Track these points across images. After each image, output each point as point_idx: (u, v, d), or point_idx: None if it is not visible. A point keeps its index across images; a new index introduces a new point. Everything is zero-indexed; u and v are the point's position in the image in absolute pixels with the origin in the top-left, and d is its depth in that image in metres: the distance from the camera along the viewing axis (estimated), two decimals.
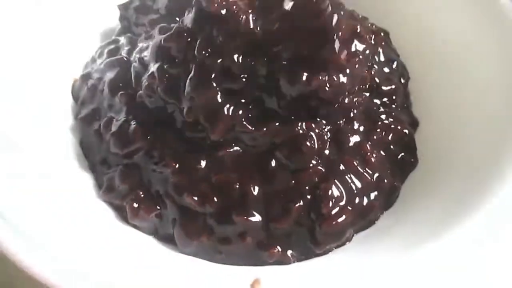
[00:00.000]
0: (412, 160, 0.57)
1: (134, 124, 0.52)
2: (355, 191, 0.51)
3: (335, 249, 0.50)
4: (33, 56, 0.58)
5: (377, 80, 0.59)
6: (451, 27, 0.62)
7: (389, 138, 0.56)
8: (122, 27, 0.67)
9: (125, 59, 0.58)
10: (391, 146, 0.56)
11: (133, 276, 0.43)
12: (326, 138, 0.51)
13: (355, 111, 0.54)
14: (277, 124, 0.49)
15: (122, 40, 0.63)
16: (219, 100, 0.49)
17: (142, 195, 0.51)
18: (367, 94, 0.57)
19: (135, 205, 0.50)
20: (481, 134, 0.53)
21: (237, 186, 0.49)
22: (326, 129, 0.51)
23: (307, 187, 0.49)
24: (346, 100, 0.52)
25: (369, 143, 0.54)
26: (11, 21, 0.58)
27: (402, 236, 0.49)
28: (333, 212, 0.49)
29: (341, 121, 0.53)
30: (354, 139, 0.53)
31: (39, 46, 0.59)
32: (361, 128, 0.55)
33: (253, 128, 0.49)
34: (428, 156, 0.57)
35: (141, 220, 0.50)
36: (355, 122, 0.54)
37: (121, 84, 0.56)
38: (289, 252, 0.49)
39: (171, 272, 0.46)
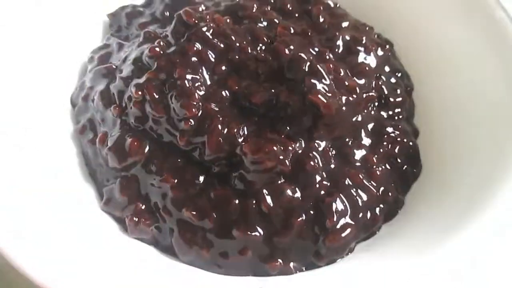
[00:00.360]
0: (415, 170, 0.57)
1: (129, 137, 0.51)
2: (360, 205, 0.51)
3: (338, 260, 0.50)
4: (36, 59, 0.57)
5: (385, 91, 0.59)
6: (450, 38, 0.62)
7: (396, 151, 0.56)
8: (113, 31, 0.66)
9: (114, 67, 0.58)
10: (397, 159, 0.56)
11: (133, 284, 0.43)
12: (330, 154, 0.51)
13: (362, 128, 0.54)
14: (278, 145, 0.48)
15: (113, 44, 0.62)
16: (213, 116, 0.49)
17: (142, 207, 0.50)
18: (374, 109, 0.57)
19: (135, 219, 0.50)
20: (483, 143, 0.53)
21: (237, 202, 0.48)
22: (330, 145, 0.51)
23: (311, 202, 0.49)
24: (355, 119, 0.52)
25: (376, 156, 0.54)
26: (13, 23, 0.56)
27: (403, 245, 0.49)
28: (338, 226, 0.49)
29: (348, 139, 0.53)
30: (361, 153, 0.53)
31: (41, 49, 0.58)
32: (368, 142, 0.55)
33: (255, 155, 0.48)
34: (429, 165, 0.57)
35: (141, 233, 0.50)
36: (362, 136, 0.54)
37: (112, 94, 0.55)
38: (292, 264, 0.49)
39: (171, 280, 0.46)
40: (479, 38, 0.59)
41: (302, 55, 0.51)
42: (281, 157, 0.47)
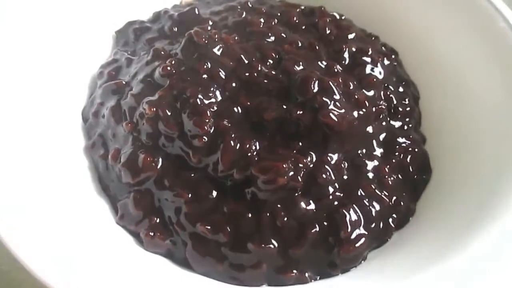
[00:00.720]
0: (424, 177, 0.58)
1: (142, 153, 0.52)
2: (373, 215, 0.51)
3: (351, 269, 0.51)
4: (47, 74, 0.58)
5: (394, 101, 0.60)
6: (453, 45, 0.63)
7: (408, 160, 0.57)
8: (120, 45, 0.66)
9: (124, 83, 0.59)
10: (409, 168, 0.57)
11: None
12: (343, 166, 0.52)
13: (374, 139, 0.55)
14: (288, 162, 0.49)
15: (121, 59, 0.63)
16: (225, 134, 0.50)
17: (157, 221, 0.51)
18: (385, 120, 0.57)
19: (151, 233, 0.50)
20: (491, 148, 0.54)
21: (250, 216, 0.49)
22: (342, 158, 0.52)
23: (325, 214, 0.50)
24: (366, 130, 0.53)
25: (388, 166, 0.55)
26: (24, 37, 0.57)
27: (415, 252, 0.50)
28: (352, 237, 0.49)
29: (360, 150, 0.54)
30: (373, 163, 0.54)
31: (51, 63, 0.59)
32: (380, 153, 0.55)
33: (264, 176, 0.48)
34: (438, 172, 0.58)
35: (156, 247, 0.51)
36: (374, 147, 0.55)
37: (123, 111, 0.56)
38: (307, 274, 0.50)
39: None
40: (482, 46, 0.60)
41: (311, 74, 0.52)
42: (291, 173, 0.48)
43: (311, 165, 0.50)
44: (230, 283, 0.49)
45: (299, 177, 0.49)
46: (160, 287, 0.46)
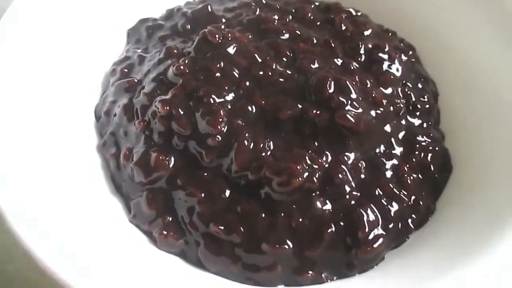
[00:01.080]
0: (445, 175, 0.56)
1: (154, 152, 0.52)
2: (392, 215, 0.50)
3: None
4: (61, 72, 0.58)
5: (413, 98, 0.58)
6: (472, 40, 0.62)
7: (428, 159, 0.55)
8: (133, 42, 0.66)
9: (136, 80, 0.58)
10: (430, 167, 0.55)
11: None
12: (360, 166, 0.51)
13: (393, 137, 0.54)
14: (303, 163, 0.48)
15: (133, 56, 0.63)
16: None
17: (170, 220, 0.50)
18: (404, 118, 0.56)
19: (164, 232, 0.50)
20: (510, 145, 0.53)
21: (265, 216, 0.48)
22: (360, 157, 0.51)
23: (341, 214, 0.49)
24: (385, 129, 0.52)
25: (407, 165, 0.53)
26: (36, 36, 0.57)
27: (435, 252, 0.49)
28: (370, 237, 0.48)
29: (378, 149, 0.53)
30: (392, 162, 0.53)
31: (65, 61, 0.59)
32: (399, 151, 0.54)
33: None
34: (458, 170, 0.56)
35: (170, 246, 0.50)
36: (393, 145, 0.54)
37: (135, 109, 0.55)
38: (323, 274, 0.49)
39: None
40: (501, 40, 0.59)
41: (327, 74, 0.50)
42: (306, 174, 0.47)
43: (327, 165, 0.49)
44: (244, 283, 0.48)
45: (314, 178, 0.48)
46: (174, 286, 0.46)
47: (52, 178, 0.48)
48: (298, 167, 0.47)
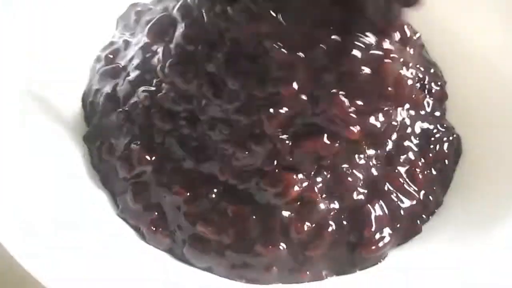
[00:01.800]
0: (456, 167, 0.53)
1: (135, 145, 0.49)
2: (400, 213, 0.47)
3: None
4: (49, 59, 0.56)
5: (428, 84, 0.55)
6: (478, 29, 0.59)
7: (445, 150, 0.52)
8: (121, 27, 0.63)
9: (120, 66, 0.55)
10: (444, 161, 0.52)
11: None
12: (371, 164, 0.47)
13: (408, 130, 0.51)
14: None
15: (119, 41, 0.59)
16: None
17: (157, 215, 0.48)
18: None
19: (153, 228, 0.47)
20: None
21: (255, 218, 0.45)
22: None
23: (347, 211, 0.46)
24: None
25: (422, 160, 0.50)
26: (24, 22, 0.55)
27: (440, 247, 0.46)
28: (376, 236, 0.46)
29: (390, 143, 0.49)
30: (404, 157, 0.50)
31: (53, 49, 0.57)
32: (413, 145, 0.51)
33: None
34: (466, 160, 0.54)
35: (158, 242, 0.48)
36: (406, 140, 0.51)
37: (118, 98, 0.52)
38: (324, 272, 0.46)
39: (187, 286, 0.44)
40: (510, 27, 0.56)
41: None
42: (305, 184, 0.44)
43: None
44: (237, 280, 0.46)
45: (316, 188, 0.45)
46: (164, 280, 0.44)
47: (36, 169, 0.47)
48: (294, 177, 0.44)
